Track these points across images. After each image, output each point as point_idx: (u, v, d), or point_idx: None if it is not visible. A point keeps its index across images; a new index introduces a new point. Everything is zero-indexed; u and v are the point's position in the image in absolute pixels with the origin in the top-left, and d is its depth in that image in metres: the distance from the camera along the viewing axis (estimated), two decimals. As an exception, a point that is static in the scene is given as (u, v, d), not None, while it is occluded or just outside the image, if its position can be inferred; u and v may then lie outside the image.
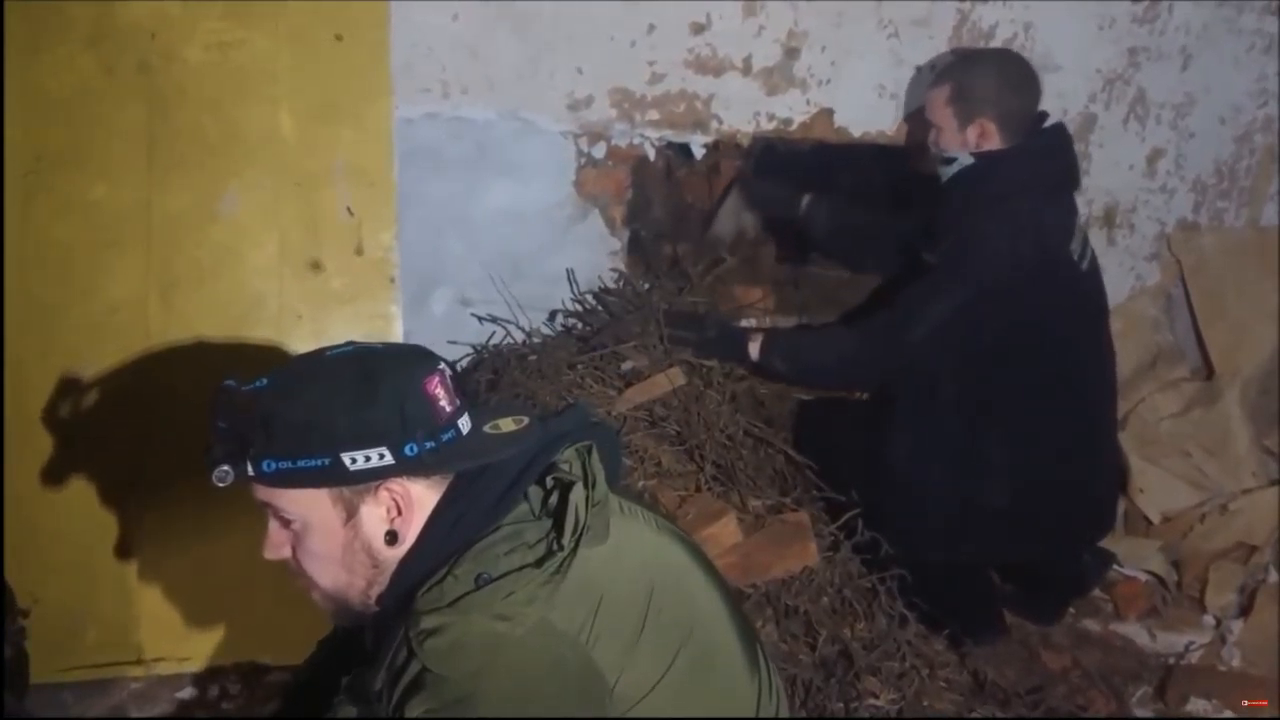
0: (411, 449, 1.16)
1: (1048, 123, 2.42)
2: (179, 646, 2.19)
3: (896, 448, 2.31)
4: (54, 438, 2.12)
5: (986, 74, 2.38)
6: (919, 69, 2.71)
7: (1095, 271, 2.42)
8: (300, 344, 2.23)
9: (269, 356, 2.21)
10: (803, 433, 2.49)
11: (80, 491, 2.14)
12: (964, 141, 2.36)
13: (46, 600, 2.11)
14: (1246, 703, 2.34)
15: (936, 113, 2.40)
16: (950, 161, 2.38)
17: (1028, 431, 2.28)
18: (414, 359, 1.23)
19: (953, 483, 2.28)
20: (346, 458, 1.14)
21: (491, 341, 2.56)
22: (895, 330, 2.29)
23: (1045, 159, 2.36)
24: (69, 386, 2.13)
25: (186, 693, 2.19)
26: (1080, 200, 2.96)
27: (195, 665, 2.20)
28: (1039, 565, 2.56)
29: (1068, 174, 2.41)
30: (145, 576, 2.17)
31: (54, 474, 2.12)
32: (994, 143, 2.34)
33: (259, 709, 2.14)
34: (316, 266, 2.26)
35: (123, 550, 2.16)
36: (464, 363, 2.54)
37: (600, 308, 2.62)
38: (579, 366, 2.37)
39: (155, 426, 2.13)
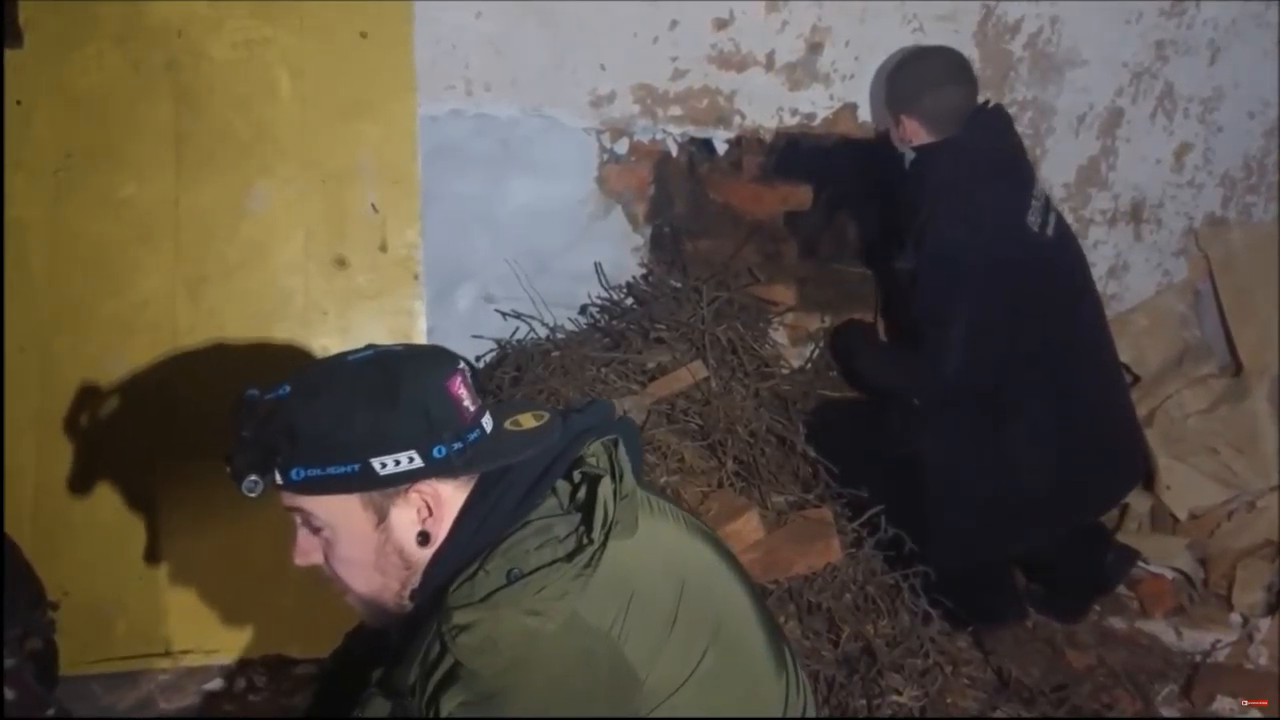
0: (440, 451, 1.16)
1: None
2: (207, 639, 2.21)
3: (927, 451, 2.33)
4: (84, 432, 2.14)
5: (907, 72, 2.49)
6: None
7: (1064, 238, 2.48)
8: (326, 339, 2.25)
9: (295, 352, 2.22)
10: (819, 433, 2.49)
11: (110, 485, 2.16)
12: (898, 138, 2.48)
13: (76, 593, 2.13)
14: (1246, 701, 2.31)
15: (883, 115, 2.55)
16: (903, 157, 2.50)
17: (1035, 405, 2.33)
18: (435, 360, 1.23)
19: (984, 474, 2.30)
20: (376, 463, 1.15)
21: (515, 337, 2.57)
22: (934, 369, 2.36)
23: (979, 144, 2.42)
24: (99, 381, 2.16)
25: (214, 685, 2.21)
26: (1107, 195, 2.97)
27: (223, 658, 2.22)
28: (1067, 555, 2.55)
29: (1006, 154, 2.47)
30: (174, 570, 2.19)
31: (84, 468, 2.14)
32: (921, 137, 2.44)
33: (285, 701, 2.16)
34: (342, 263, 2.27)
35: (151, 544, 2.18)
36: (488, 358, 2.55)
37: (631, 299, 2.62)
38: (603, 369, 2.37)
39: (184, 420, 2.15)
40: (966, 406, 2.34)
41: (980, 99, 2.50)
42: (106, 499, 2.16)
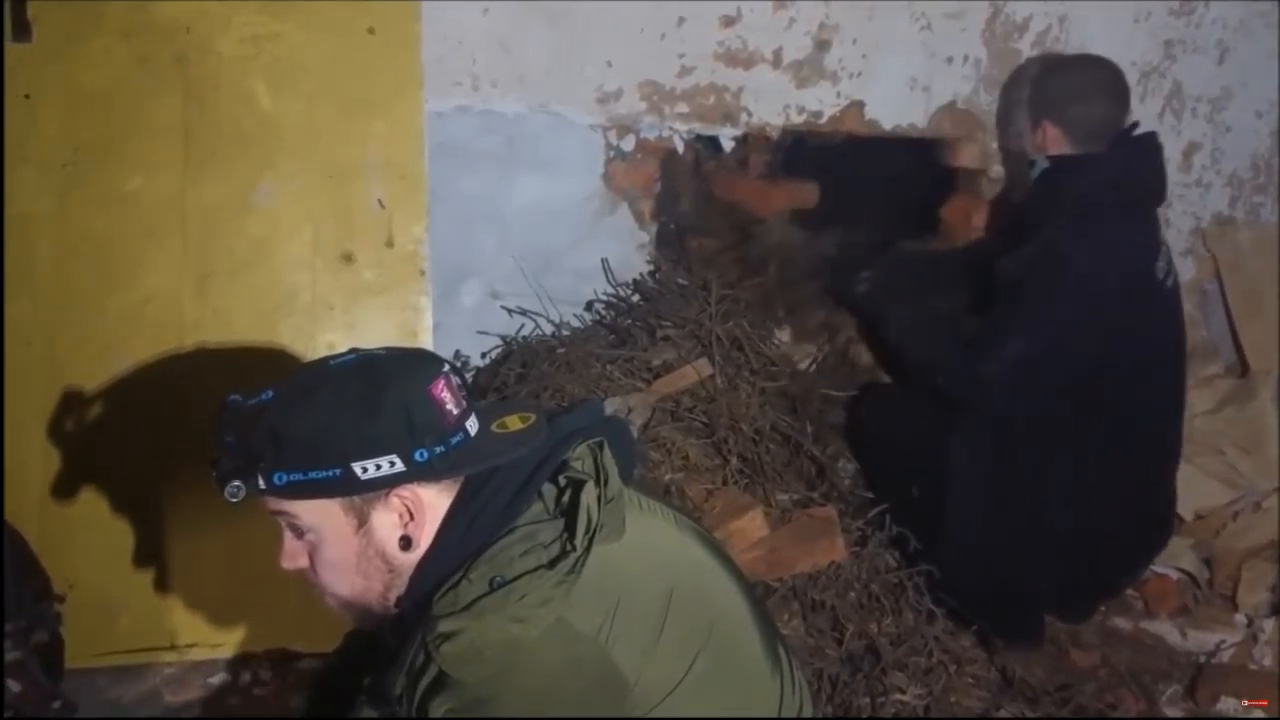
0: (421, 455, 1.16)
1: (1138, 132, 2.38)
2: (212, 633, 2.21)
3: (964, 466, 2.26)
4: (90, 425, 2.15)
5: (1058, 78, 2.38)
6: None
7: (1177, 288, 2.38)
8: (332, 335, 2.25)
9: (301, 348, 2.23)
10: (861, 432, 2.49)
11: (115, 478, 2.17)
12: (1034, 144, 2.37)
13: (81, 586, 2.13)
14: (1250, 702, 2.31)
15: (1017, 114, 2.45)
16: (1033, 164, 2.39)
17: (1099, 454, 2.26)
18: (418, 363, 1.23)
19: (1021, 506, 2.25)
20: (358, 467, 1.15)
21: (520, 334, 2.57)
22: (970, 366, 2.24)
23: (1125, 170, 2.31)
24: (105, 375, 2.16)
25: (219, 678, 2.21)
26: (1114, 194, 2.95)
27: (227, 651, 2.23)
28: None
29: (1151, 187, 2.36)
30: (179, 563, 2.19)
31: (89, 461, 2.15)
32: (1061, 147, 2.33)
33: (290, 695, 2.17)
34: (348, 258, 2.28)
35: (157, 538, 2.18)
36: (493, 354, 2.56)
37: (638, 296, 2.63)
38: (609, 366, 2.37)
39: (189, 415, 2.15)
40: (1015, 427, 2.25)
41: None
42: (112, 492, 2.16)
